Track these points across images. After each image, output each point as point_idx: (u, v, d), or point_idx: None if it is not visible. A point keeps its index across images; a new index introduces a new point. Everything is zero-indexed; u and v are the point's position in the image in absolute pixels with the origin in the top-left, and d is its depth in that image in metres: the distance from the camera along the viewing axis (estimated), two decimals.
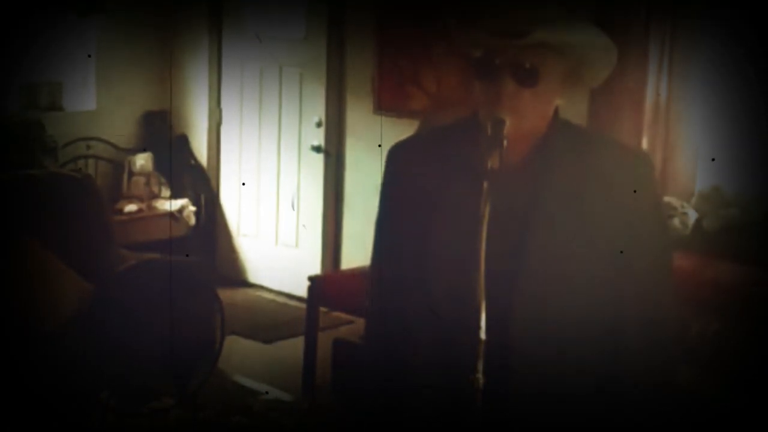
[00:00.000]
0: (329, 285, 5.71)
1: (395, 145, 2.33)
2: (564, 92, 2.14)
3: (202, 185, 7.42)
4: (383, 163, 2.31)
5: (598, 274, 2.11)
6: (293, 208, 7.06)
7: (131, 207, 7.03)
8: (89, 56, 7.17)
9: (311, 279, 5.59)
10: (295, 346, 5.74)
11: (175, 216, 7.12)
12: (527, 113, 2.08)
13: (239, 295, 7.10)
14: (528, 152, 2.14)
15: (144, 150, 7.37)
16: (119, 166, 7.27)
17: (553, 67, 2.08)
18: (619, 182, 2.13)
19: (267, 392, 5.23)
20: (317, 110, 6.83)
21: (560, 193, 2.12)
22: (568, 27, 2.08)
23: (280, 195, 7.16)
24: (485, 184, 1.97)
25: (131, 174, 7.26)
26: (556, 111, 2.17)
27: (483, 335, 1.93)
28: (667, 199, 4.94)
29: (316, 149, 6.85)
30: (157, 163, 7.36)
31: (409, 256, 2.22)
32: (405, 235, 2.24)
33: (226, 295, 5.80)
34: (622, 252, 2.12)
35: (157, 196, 7.26)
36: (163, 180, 7.34)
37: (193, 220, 7.23)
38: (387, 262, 2.31)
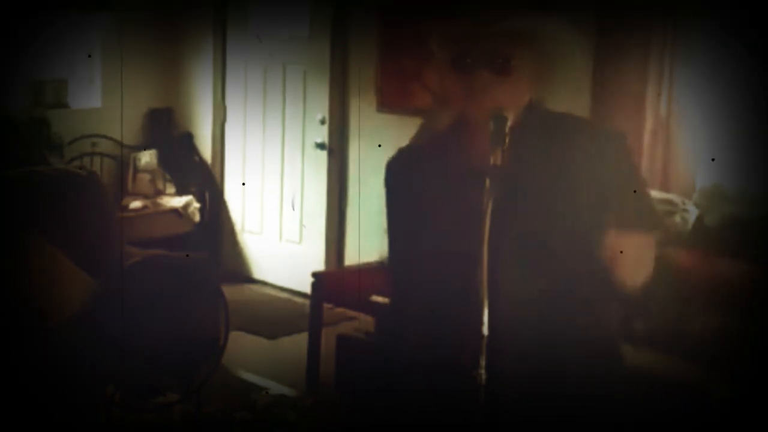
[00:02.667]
0: (333, 281, 5.72)
1: (391, 160, 2.34)
2: (538, 86, 2.16)
3: (207, 182, 7.44)
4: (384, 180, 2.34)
5: (593, 266, 2.12)
6: (293, 209, 7.08)
7: (136, 204, 7.06)
8: (89, 56, 7.19)
9: (315, 275, 5.60)
10: (299, 341, 5.76)
11: (179, 213, 7.14)
12: (503, 103, 2.09)
13: (243, 291, 7.12)
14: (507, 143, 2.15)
15: (149, 147, 7.41)
16: (124, 163, 7.29)
17: (525, 58, 2.11)
18: (595, 162, 2.14)
19: (267, 390, 5.26)
20: (321, 108, 6.86)
21: (541, 180, 2.13)
22: (538, 18, 2.11)
23: (284, 192, 7.19)
24: (488, 181, 1.99)
25: (136, 171, 7.28)
26: (530, 101, 2.18)
27: (485, 331, 1.94)
28: (668, 196, 4.94)
29: (320, 146, 6.87)
30: (162, 160, 7.38)
31: (417, 257, 2.24)
32: (412, 239, 2.26)
33: (230, 291, 5.79)
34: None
35: (161, 193, 7.28)
36: (167, 177, 7.36)
37: (197, 217, 7.25)
38: (399, 263, 2.34)
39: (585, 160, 2.14)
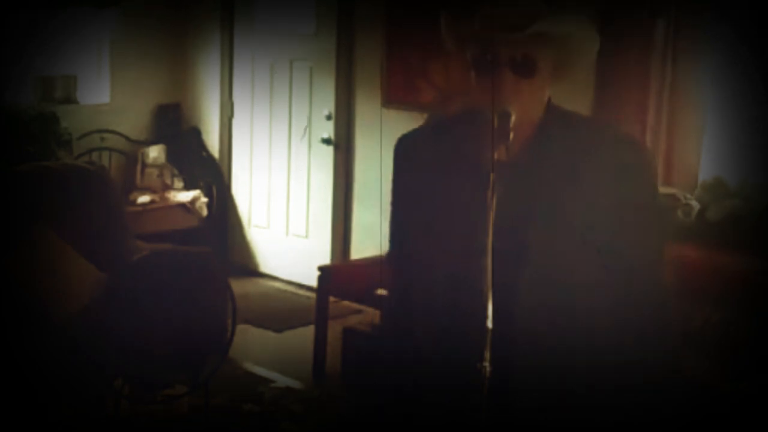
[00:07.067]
0: (339, 275, 5.73)
1: (402, 138, 2.36)
2: (554, 82, 2.18)
3: (214, 177, 7.47)
4: (393, 156, 2.36)
5: (597, 261, 2.14)
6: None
7: (144, 198, 7.07)
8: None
9: (321, 269, 5.61)
10: (306, 334, 5.79)
11: (187, 207, 7.16)
12: (525, 103, 2.11)
13: (250, 284, 7.15)
14: (526, 141, 2.17)
15: (157, 142, 7.44)
16: (133, 158, 7.31)
17: (546, 57, 2.12)
18: (615, 167, 2.15)
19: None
20: (327, 104, 6.89)
21: (559, 180, 2.15)
22: (560, 18, 2.13)
23: (290, 187, 7.22)
24: (492, 176, 2.00)
25: (144, 166, 7.29)
26: (549, 99, 2.21)
27: (490, 324, 1.96)
28: (670, 190, 4.94)
29: (326, 142, 6.90)
30: (170, 155, 7.40)
31: (419, 247, 2.25)
32: (415, 226, 2.27)
33: (237, 284, 5.82)
34: (615, 237, 2.14)
35: (169, 188, 7.29)
36: (175, 171, 7.38)
37: (205, 212, 7.26)
38: (400, 252, 2.35)
39: (607, 167, 2.15)
